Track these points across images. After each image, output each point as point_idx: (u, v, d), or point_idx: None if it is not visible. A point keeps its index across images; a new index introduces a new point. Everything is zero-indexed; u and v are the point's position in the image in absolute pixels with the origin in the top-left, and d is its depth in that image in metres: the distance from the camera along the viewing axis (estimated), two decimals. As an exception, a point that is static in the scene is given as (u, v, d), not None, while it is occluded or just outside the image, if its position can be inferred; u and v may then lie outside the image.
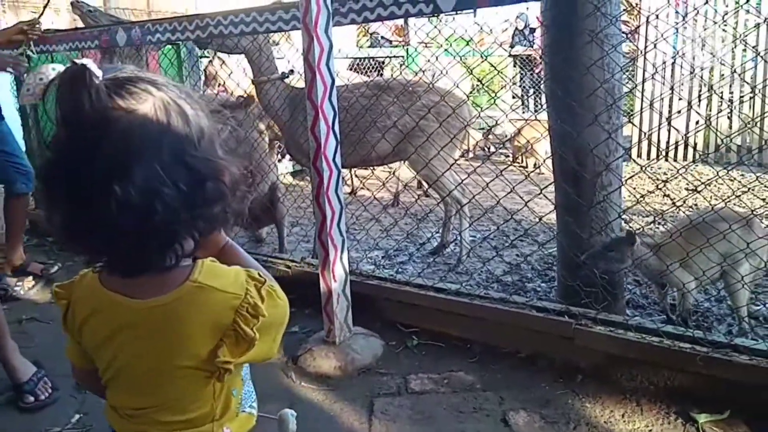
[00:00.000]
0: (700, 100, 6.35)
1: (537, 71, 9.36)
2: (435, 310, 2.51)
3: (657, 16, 5.42)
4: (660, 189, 2.70)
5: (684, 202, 3.93)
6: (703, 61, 6.23)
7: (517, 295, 2.50)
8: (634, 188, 4.93)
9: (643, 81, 6.38)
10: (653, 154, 6.60)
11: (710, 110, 6.40)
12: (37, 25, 3.28)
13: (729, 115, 6.20)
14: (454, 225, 3.71)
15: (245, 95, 4.03)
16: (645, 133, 6.50)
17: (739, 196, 2.96)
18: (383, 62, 8.32)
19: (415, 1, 2.19)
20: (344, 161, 2.54)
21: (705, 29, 6.29)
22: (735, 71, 5.94)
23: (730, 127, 6.28)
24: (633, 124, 6.26)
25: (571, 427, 1.92)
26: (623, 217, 2.56)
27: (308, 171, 2.98)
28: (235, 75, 4.49)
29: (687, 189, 4.75)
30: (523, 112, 9.00)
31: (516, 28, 10.22)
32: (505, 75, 8.53)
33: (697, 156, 6.33)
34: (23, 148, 3.54)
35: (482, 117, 5.02)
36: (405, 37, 10.43)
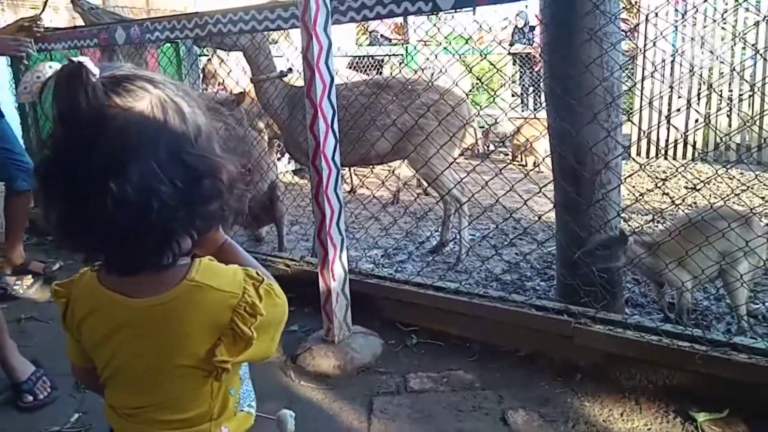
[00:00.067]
0: (699, 99, 6.35)
1: (536, 69, 9.36)
2: (434, 308, 2.51)
3: (656, 14, 5.42)
4: (659, 187, 2.70)
5: (683, 200, 3.93)
6: (703, 59, 6.23)
7: (516, 294, 2.50)
8: (634, 186, 4.94)
9: (643, 79, 6.38)
10: (652, 153, 6.60)
11: (709, 108, 6.40)
12: (39, 22, 3.25)
13: (728, 113, 6.20)
14: (453, 223, 3.71)
15: (239, 92, 4.02)
16: (644, 132, 6.50)
17: (739, 194, 2.96)
18: (382, 60, 8.32)
19: (414, -1, 2.19)
20: (343, 160, 2.54)
21: (704, 27, 6.28)
22: (734, 69, 5.94)
23: (730, 126, 6.28)
24: (632, 123, 6.25)
25: (570, 426, 1.92)
26: (622, 215, 2.56)
27: (308, 169, 2.98)
28: (234, 73, 4.49)
29: (686, 187, 4.75)
30: (523, 111, 8.99)
31: (515, 26, 10.21)
32: (504, 73, 8.53)
33: (697, 154, 6.33)
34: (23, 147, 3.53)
35: (481, 115, 5.03)
36: (404, 36, 10.43)
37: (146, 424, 0.93)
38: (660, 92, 6.36)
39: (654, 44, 5.51)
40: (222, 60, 4.90)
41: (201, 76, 5.28)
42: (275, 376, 2.29)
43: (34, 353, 2.31)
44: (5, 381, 2.17)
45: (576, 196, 2.34)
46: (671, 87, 6.25)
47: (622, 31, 2.50)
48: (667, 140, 6.58)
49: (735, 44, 6.15)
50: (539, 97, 9.31)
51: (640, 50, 6.17)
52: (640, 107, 6.47)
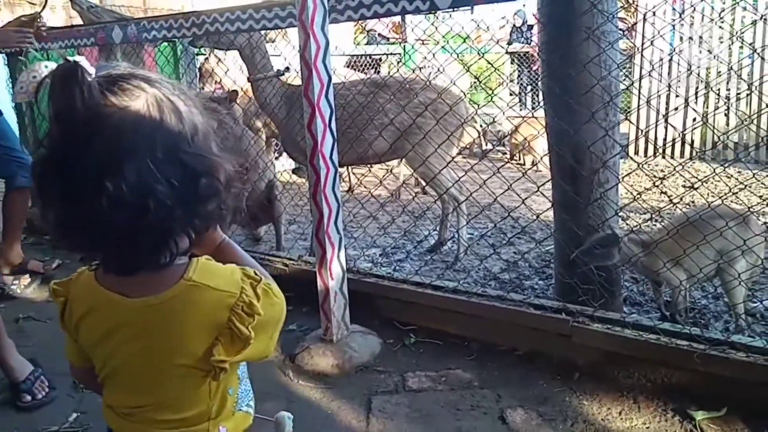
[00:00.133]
0: (697, 97, 6.36)
1: (534, 68, 9.36)
2: (432, 307, 2.51)
3: (654, 13, 5.43)
4: (657, 186, 2.71)
5: (681, 199, 3.94)
6: (700, 58, 6.24)
7: (515, 293, 2.50)
8: (632, 185, 4.95)
9: (640, 78, 6.38)
10: (650, 151, 6.61)
11: (707, 107, 6.41)
12: (40, 20, 3.20)
13: (726, 112, 6.21)
14: (451, 222, 3.71)
15: (232, 90, 4.02)
16: (642, 131, 6.50)
17: (737, 193, 2.96)
18: (380, 59, 8.32)
19: (411, -2, 2.18)
20: (341, 159, 2.54)
21: (702, 26, 6.29)
22: (732, 68, 5.94)
23: (727, 124, 6.29)
24: (630, 122, 6.26)
25: (568, 425, 1.92)
26: (620, 214, 2.56)
27: (306, 168, 2.97)
28: (231, 72, 4.49)
29: (684, 186, 4.76)
30: (521, 110, 8.99)
31: (514, 25, 10.21)
32: (501, 72, 8.53)
33: (694, 153, 6.34)
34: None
35: (479, 114, 5.03)
36: (402, 35, 10.43)
37: (144, 424, 0.93)
38: (658, 91, 6.37)
39: (652, 43, 5.51)
40: (219, 59, 4.90)
41: (198, 75, 5.27)
42: (274, 376, 2.29)
43: (33, 353, 2.30)
44: (3, 381, 2.17)
45: (574, 194, 2.34)
46: (669, 86, 6.25)
47: (620, 30, 2.51)
48: (665, 139, 6.58)
49: (732, 43, 6.15)
50: (537, 96, 9.31)
51: (638, 49, 6.18)
52: (638, 106, 6.48)
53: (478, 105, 4.98)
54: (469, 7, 2.39)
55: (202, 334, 0.88)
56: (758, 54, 5.72)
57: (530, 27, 10.12)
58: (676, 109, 6.31)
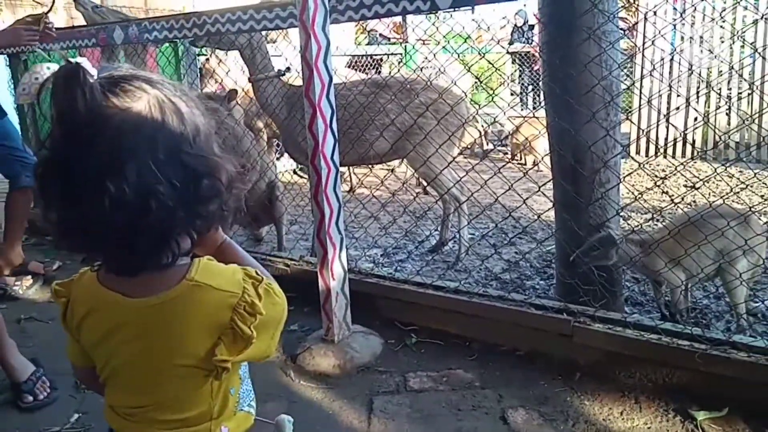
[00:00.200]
0: (698, 97, 6.35)
1: (536, 68, 9.35)
2: (434, 308, 2.51)
3: (655, 13, 5.43)
4: (658, 186, 2.70)
5: (682, 199, 3.93)
6: (702, 57, 6.23)
7: (516, 293, 2.50)
8: (633, 185, 4.95)
9: (642, 78, 6.38)
10: (651, 151, 6.60)
11: (708, 107, 6.40)
12: (46, 20, 3.14)
13: (727, 111, 6.20)
14: (452, 223, 3.71)
15: (231, 89, 4.02)
16: (643, 130, 6.50)
17: (738, 192, 2.96)
18: (381, 60, 8.32)
19: (412, -2, 2.18)
20: (342, 159, 2.54)
21: (703, 26, 6.28)
22: (733, 68, 5.94)
23: (729, 124, 6.28)
24: (631, 122, 6.25)
25: (569, 425, 1.92)
26: (621, 214, 2.56)
27: (307, 168, 2.97)
28: (232, 72, 4.49)
29: (685, 186, 4.75)
30: (522, 109, 8.99)
31: (515, 25, 10.20)
32: (502, 72, 8.53)
33: (696, 153, 6.33)
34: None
35: (480, 114, 5.03)
36: (403, 35, 10.42)
37: (146, 424, 0.93)
38: (659, 91, 6.36)
39: (653, 43, 5.51)
40: (220, 60, 4.90)
41: (199, 75, 5.27)
42: (275, 376, 2.29)
43: (34, 353, 2.31)
44: (5, 381, 2.17)
45: (575, 194, 2.34)
46: (670, 85, 6.24)
47: (621, 29, 2.51)
48: (666, 139, 6.58)
49: (734, 42, 6.15)
50: (538, 95, 9.31)
51: (639, 49, 6.17)
52: (639, 106, 6.47)
53: (479, 105, 4.98)
54: (470, 7, 2.39)
55: (204, 334, 0.88)
56: (759, 53, 5.71)
57: (531, 27, 10.11)
58: (678, 108, 6.30)
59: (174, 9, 7.66)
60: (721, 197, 2.32)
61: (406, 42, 8.89)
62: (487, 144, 6.98)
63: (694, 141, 6.49)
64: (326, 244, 2.30)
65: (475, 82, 6.67)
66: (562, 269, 2.49)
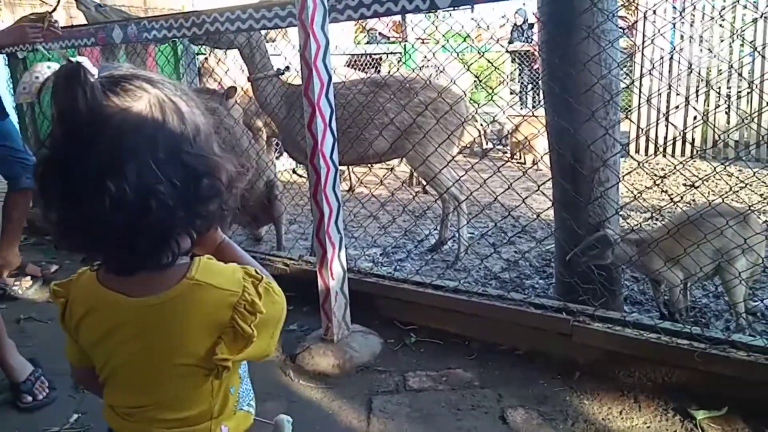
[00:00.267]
0: (697, 96, 6.35)
1: (535, 67, 9.35)
2: (433, 307, 2.51)
3: (654, 12, 5.42)
4: (658, 185, 2.70)
5: (681, 197, 3.93)
6: (701, 56, 6.23)
7: (515, 292, 2.50)
8: (632, 184, 4.95)
9: (641, 76, 6.38)
10: (651, 150, 6.60)
11: (708, 106, 6.40)
12: (51, 19, 3.09)
13: (727, 110, 6.21)
14: (452, 222, 3.71)
15: (230, 86, 4.02)
16: (642, 129, 6.50)
17: (737, 191, 2.96)
18: (380, 59, 8.32)
19: (411, -3, 2.19)
20: (341, 159, 2.54)
21: (702, 24, 6.28)
22: (732, 67, 5.94)
23: (728, 123, 6.28)
24: (630, 120, 6.25)
25: (568, 424, 1.92)
26: (621, 213, 2.56)
27: (306, 168, 2.97)
28: (231, 71, 4.49)
29: (685, 185, 4.75)
30: (521, 108, 8.99)
31: (514, 24, 10.20)
32: (502, 71, 8.53)
33: (695, 152, 6.34)
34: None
35: (480, 113, 5.02)
36: (402, 34, 10.42)
37: (145, 424, 0.93)
38: (658, 90, 6.36)
39: (652, 41, 5.51)
40: (219, 59, 4.90)
41: (198, 74, 5.27)
42: (274, 376, 2.29)
43: (33, 353, 2.30)
44: (4, 381, 2.17)
45: (574, 193, 2.34)
46: (669, 84, 6.24)
47: (620, 28, 2.50)
48: (665, 137, 6.58)
49: (733, 41, 6.15)
50: (538, 94, 9.31)
51: (639, 47, 6.17)
52: (639, 105, 6.47)
53: (479, 104, 4.98)
54: (469, 6, 2.39)
55: (204, 333, 0.88)
56: (759, 52, 5.71)
57: (531, 26, 10.11)
58: (677, 107, 6.30)
59: (173, 8, 7.65)
60: (721, 196, 2.31)
61: (406, 41, 8.89)
62: (487, 143, 6.98)
63: (693, 140, 6.50)
64: (325, 244, 2.30)
65: (475, 81, 6.67)
66: (561, 268, 2.49)
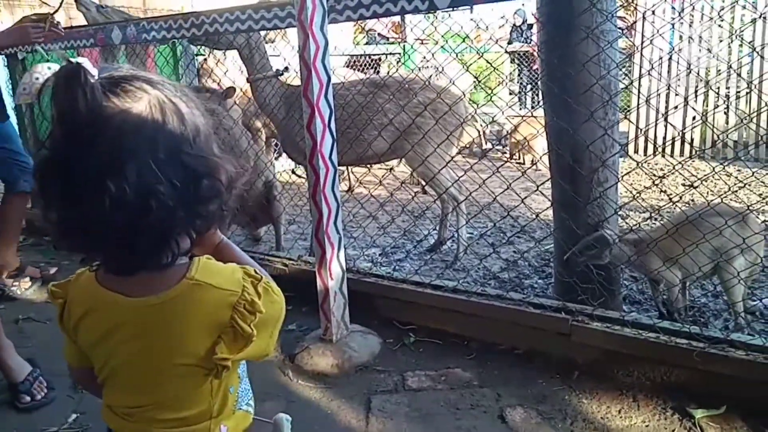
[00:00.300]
0: (696, 96, 6.36)
1: (534, 67, 9.36)
2: (432, 307, 2.51)
3: (653, 12, 5.43)
4: (656, 185, 2.70)
5: (680, 198, 3.94)
6: (700, 57, 6.24)
7: (514, 292, 2.50)
8: (631, 184, 4.95)
9: (640, 77, 6.38)
10: (650, 150, 6.61)
11: (707, 106, 6.41)
12: (53, 19, 3.07)
13: (725, 110, 6.21)
14: (451, 222, 3.71)
15: (229, 86, 4.02)
16: (641, 130, 6.50)
17: (736, 191, 2.96)
18: (380, 59, 8.32)
19: (410, -3, 2.19)
20: (340, 159, 2.54)
21: (701, 25, 6.29)
22: (731, 67, 5.94)
23: (727, 123, 6.29)
24: (629, 121, 6.26)
25: (567, 423, 1.93)
26: (620, 213, 2.56)
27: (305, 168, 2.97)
28: (230, 72, 4.50)
29: (683, 185, 4.76)
30: (520, 109, 8.99)
31: (514, 24, 10.21)
32: (501, 71, 8.53)
33: (694, 152, 6.34)
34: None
35: (479, 114, 5.03)
36: (401, 34, 10.42)
37: (144, 424, 0.93)
38: (657, 90, 6.37)
39: (651, 42, 5.51)
40: (218, 60, 4.90)
41: (197, 75, 5.27)
42: (273, 376, 2.29)
43: (32, 354, 2.30)
44: (2, 382, 2.17)
45: (573, 194, 2.34)
46: (668, 85, 6.25)
47: (619, 29, 2.51)
48: (664, 138, 6.58)
49: (732, 41, 6.15)
50: (537, 95, 9.31)
51: (638, 48, 6.18)
52: (638, 105, 6.47)
53: (478, 104, 4.98)
54: (468, 6, 2.40)
55: (204, 333, 0.89)
56: (758, 52, 5.72)
57: (530, 26, 10.11)
58: (676, 107, 6.30)
59: (172, 9, 7.66)
60: (720, 196, 2.32)
61: (405, 42, 8.89)
62: (486, 143, 6.99)
63: (692, 140, 6.50)
64: (324, 244, 2.31)
65: (474, 82, 6.67)
66: (560, 268, 2.49)
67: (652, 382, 2.05)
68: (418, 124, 3.20)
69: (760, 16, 5.63)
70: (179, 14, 2.93)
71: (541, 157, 5.76)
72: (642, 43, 5.93)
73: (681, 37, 6.37)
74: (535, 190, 2.43)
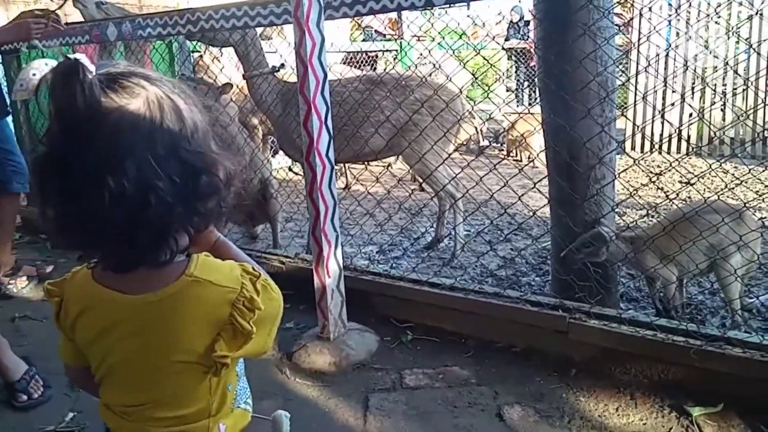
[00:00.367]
0: (693, 93, 6.36)
1: (531, 64, 9.35)
2: (429, 304, 2.51)
3: (650, 9, 5.42)
4: (653, 182, 2.71)
5: (677, 194, 3.94)
6: (696, 54, 6.24)
7: (512, 290, 2.50)
8: (628, 181, 4.95)
9: (637, 74, 6.37)
10: (647, 147, 6.61)
11: (703, 103, 6.41)
12: (54, 15, 3.04)
13: (722, 107, 6.22)
14: (448, 219, 3.71)
15: (226, 82, 4.01)
16: (638, 126, 6.50)
17: (733, 188, 2.97)
18: (376, 56, 8.30)
19: (407, -6, 2.18)
20: (337, 156, 2.53)
21: (698, 22, 6.29)
22: (728, 64, 5.95)
23: (724, 120, 6.30)
24: (626, 117, 6.25)
25: (565, 421, 1.93)
26: (617, 210, 2.56)
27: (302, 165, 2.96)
28: (227, 69, 4.48)
29: (680, 182, 4.77)
30: (517, 106, 8.99)
31: (510, 21, 10.20)
32: (498, 68, 8.52)
33: (691, 149, 6.34)
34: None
35: (476, 110, 5.02)
36: (398, 31, 10.40)
37: (143, 422, 0.93)
38: (654, 87, 6.37)
39: (648, 39, 5.51)
40: (214, 57, 4.89)
41: (193, 72, 5.26)
42: (271, 374, 2.29)
43: (29, 352, 2.30)
44: (-1, 381, 2.16)
45: (570, 191, 2.34)
46: (665, 82, 6.25)
47: (616, 25, 2.51)
48: (661, 135, 6.59)
49: (728, 38, 6.15)
50: (534, 92, 9.31)
51: (634, 45, 6.18)
52: (634, 102, 6.47)
53: (475, 101, 4.98)
54: (465, 3, 2.39)
55: (202, 330, 0.88)
56: (754, 49, 5.72)
57: (527, 23, 10.11)
58: (673, 104, 6.31)
59: (168, 6, 7.64)
60: (716, 193, 2.32)
61: (402, 38, 8.87)
62: (483, 140, 6.98)
63: (689, 137, 6.50)
64: (321, 242, 2.30)
65: (471, 79, 6.67)
66: (557, 266, 2.49)
67: (649, 380, 2.06)
68: (415, 121, 3.20)
69: (756, 13, 5.63)
70: (175, 11, 2.92)
71: (538, 154, 5.76)
72: (639, 39, 5.93)
73: (678, 33, 6.37)
74: (532, 188, 2.43)
